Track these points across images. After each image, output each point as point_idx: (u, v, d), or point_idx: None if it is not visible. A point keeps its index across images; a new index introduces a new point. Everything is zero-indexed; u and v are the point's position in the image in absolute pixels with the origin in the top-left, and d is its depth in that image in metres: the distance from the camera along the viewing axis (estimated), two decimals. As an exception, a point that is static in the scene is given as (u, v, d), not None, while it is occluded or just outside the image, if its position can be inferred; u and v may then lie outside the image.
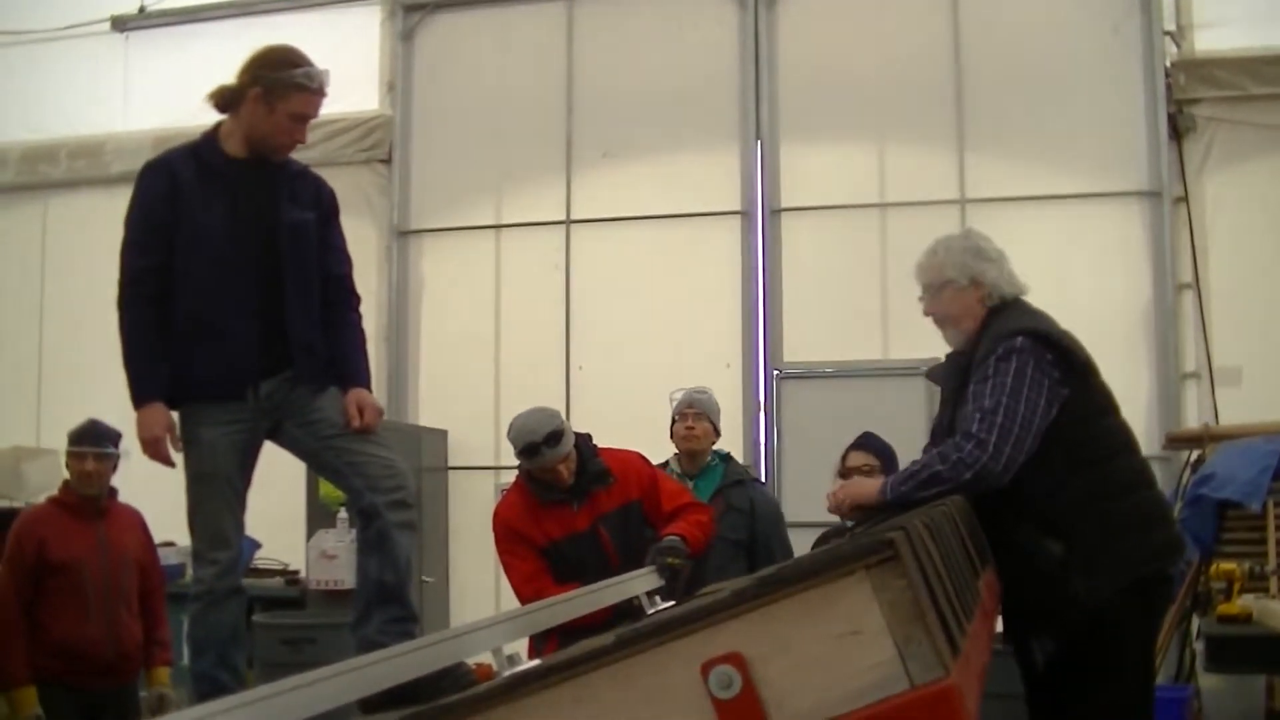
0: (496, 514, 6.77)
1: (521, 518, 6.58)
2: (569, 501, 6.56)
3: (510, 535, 6.61)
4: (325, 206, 5.51)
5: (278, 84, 5.20)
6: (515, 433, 6.51)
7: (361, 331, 5.63)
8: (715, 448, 7.64)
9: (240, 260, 5.19)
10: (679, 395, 7.71)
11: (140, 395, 5.17)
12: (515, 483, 6.80)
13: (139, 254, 5.22)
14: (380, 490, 5.21)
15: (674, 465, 7.54)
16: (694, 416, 7.49)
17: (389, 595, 5.20)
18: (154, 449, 5.14)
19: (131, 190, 5.31)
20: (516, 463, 6.73)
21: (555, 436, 6.45)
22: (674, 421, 7.62)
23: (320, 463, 5.51)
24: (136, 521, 7.43)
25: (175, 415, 5.23)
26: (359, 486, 5.25)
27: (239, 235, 5.20)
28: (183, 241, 5.16)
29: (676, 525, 6.59)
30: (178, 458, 5.21)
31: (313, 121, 5.36)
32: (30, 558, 6.92)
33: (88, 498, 7.12)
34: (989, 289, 5.16)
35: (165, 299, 5.17)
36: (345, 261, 5.61)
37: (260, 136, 5.26)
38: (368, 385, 5.44)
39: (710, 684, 2.10)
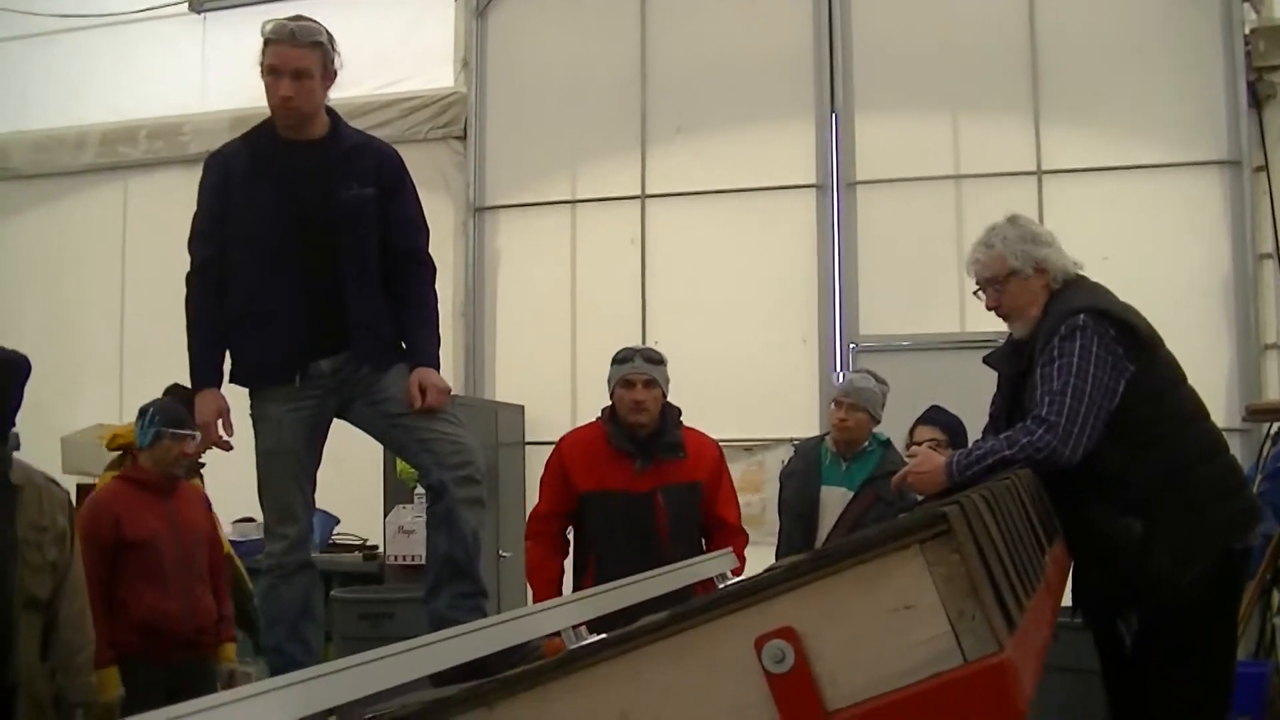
0: (562, 440, 6.94)
1: (579, 454, 6.70)
2: (634, 458, 6.60)
3: (558, 468, 6.76)
4: (388, 179, 5.48)
5: (260, 56, 5.31)
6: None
7: (432, 306, 5.60)
8: (876, 431, 7.39)
9: (290, 244, 5.24)
10: (841, 379, 7.61)
11: (196, 382, 5.36)
12: (594, 422, 6.87)
13: (201, 243, 5.37)
14: (447, 467, 5.25)
15: (829, 444, 7.44)
16: (849, 407, 7.27)
17: (458, 571, 5.26)
18: (207, 433, 5.38)
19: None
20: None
21: (654, 356, 6.71)
22: (833, 405, 7.48)
23: (389, 440, 5.55)
24: (201, 497, 7.45)
25: (246, 396, 5.34)
26: (427, 464, 5.30)
27: (287, 219, 5.25)
28: (234, 231, 5.27)
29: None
30: (238, 440, 5.31)
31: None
32: (107, 538, 6.91)
33: (166, 476, 7.14)
34: (1053, 273, 5.09)
35: (225, 287, 5.29)
36: (416, 233, 5.60)
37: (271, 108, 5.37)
38: (434, 363, 5.45)
39: (764, 658, 2.10)
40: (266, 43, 5.27)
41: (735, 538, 6.68)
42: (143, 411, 7.12)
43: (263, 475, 5.36)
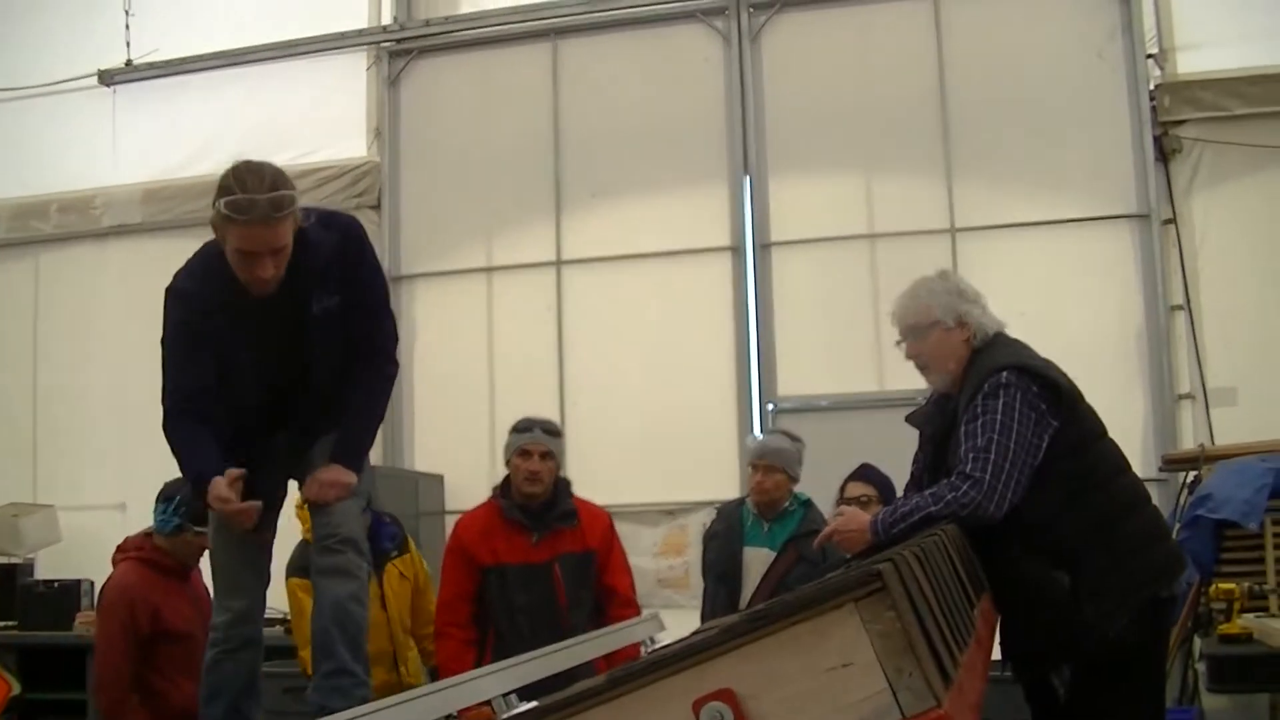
0: (457, 523, 7.02)
1: (476, 533, 6.73)
2: (530, 530, 6.67)
3: (457, 549, 6.79)
4: (351, 276, 5.01)
5: (217, 220, 4.66)
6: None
7: (376, 396, 5.25)
8: (796, 491, 7.37)
9: (270, 376, 4.98)
10: (754, 441, 7.65)
11: (199, 480, 4.86)
12: (487, 500, 6.92)
13: (186, 375, 4.91)
14: (319, 536, 5.06)
15: (749, 506, 7.41)
16: (765, 469, 7.25)
17: (322, 650, 4.95)
18: (230, 520, 4.92)
19: (162, 310, 4.95)
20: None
21: (553, 428, 6.84)
22: (750, 468, 7.46)
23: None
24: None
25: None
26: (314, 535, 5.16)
27: (266, 355, 4.94)
28: (220, 371, 4.91)
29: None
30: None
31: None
32: (144, 627, 6.57)
33: (183, 564, 6.86)
34: (974, 329, 5.13)
35: (211, 418, 4.92)
36: (370, 316, 5.15)
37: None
38: (354, 459, 5.14)
39: (702, 721, 2.09)
40: (228, 220, 4.58)
41: (626, 609, 6.78)
42: (167, 497, 6.70)
43: (214, 545, 5.23)
